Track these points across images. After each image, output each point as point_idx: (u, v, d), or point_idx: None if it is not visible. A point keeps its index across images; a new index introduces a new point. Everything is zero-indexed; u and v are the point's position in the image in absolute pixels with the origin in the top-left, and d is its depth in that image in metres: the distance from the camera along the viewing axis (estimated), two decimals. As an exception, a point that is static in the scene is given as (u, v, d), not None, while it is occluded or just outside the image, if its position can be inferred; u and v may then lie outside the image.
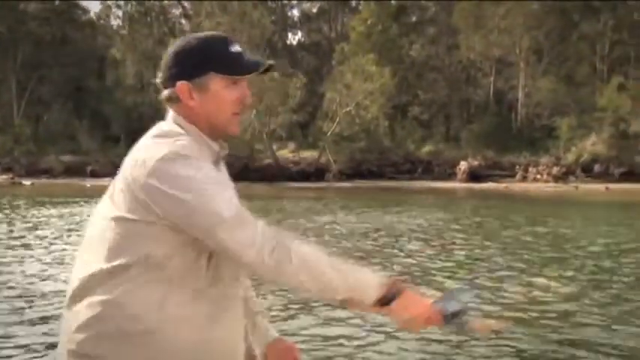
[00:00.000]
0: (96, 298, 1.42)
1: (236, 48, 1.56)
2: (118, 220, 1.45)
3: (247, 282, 1.76)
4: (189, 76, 1.53)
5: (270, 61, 1.59)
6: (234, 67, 1.54)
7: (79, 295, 1.45)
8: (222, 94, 1.54)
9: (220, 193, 1.43)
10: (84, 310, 1.42)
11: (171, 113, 1.59)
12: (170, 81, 1.55)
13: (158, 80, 1.59)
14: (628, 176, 35.39)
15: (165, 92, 1.57)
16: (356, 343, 5.38)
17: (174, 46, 1.59)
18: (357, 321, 5.91)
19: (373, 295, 1.45)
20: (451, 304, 1.45)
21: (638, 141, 36.84)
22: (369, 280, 1.46)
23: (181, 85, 1.53)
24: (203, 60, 1.53)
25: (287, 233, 1.45)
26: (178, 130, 1.54)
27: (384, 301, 1.45)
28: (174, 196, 1.41)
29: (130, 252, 1.43)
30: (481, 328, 1.48)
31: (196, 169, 1.43)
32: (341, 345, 5.23)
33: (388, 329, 5.55)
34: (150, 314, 1.42)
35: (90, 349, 1.41)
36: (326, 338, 5.45)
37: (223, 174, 1.58)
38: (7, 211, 17.89)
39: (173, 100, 1.56)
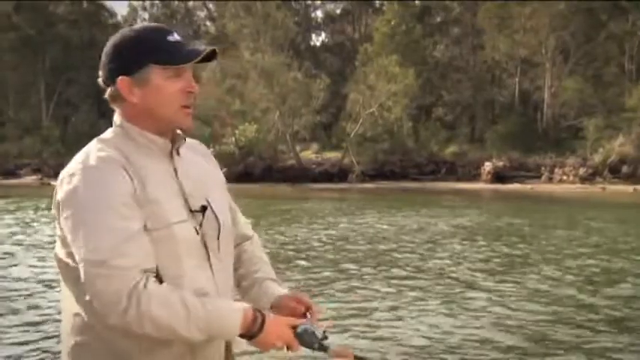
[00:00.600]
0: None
1: (174, 37, 1.51)
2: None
3: (243, 241, 1.77)
4: (129, 70, 1.47)
5: (211, 47, 1.52)
6: (172, 56, 1.47)
7: None
8: (164, 86, 1.49)
9: (103, 227, 1.36)
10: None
11: (115, 115, 1.56)
12: (110, 78, 1.50)
13: (99, 80, 1.54)
14: (657, 177, 34.72)
15: (108, 91, 1.53)
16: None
17: (110, 41, 1.53)
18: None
19: (235, 331, 1.42)
20: (316, 329, 1.50)
21: (667, 142, 36.12)
22: (229, 318, 1.42)
23: (121, 80, 1.48)
24: (140, 52, 1.48)
25: (153, 288, 1.37)
26: (108, 135, 1.54)
27: (248, 335, 1.44)
28: (63, 211, 1.41)
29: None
30: (342, 353, 1.52)
31: (98, 186, 1.39)
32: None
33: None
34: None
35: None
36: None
37: (157, 180, 1.48)
38: (39, 212, 18.28)
39: (116, 98, 1.52)
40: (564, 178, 36.66)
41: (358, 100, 40.33)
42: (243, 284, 1.73)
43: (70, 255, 1.42)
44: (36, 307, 6.72)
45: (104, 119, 46.45)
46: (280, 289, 1.68)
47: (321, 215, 17.93)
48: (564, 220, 16.91)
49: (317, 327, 1.51)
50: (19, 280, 8.26)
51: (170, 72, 1.48)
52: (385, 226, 15.07)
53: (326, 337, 1.51)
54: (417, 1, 48.74)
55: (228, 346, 1.62)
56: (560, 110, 41.56)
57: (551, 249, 11.25)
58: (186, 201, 1.51)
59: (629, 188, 32.64)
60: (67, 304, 1.50)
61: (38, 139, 44.34)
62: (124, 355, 1.45)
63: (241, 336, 1.44)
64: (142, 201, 1.43)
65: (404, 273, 8.92)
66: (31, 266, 9.29)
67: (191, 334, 1.38)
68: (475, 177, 38.38)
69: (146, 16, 53.95)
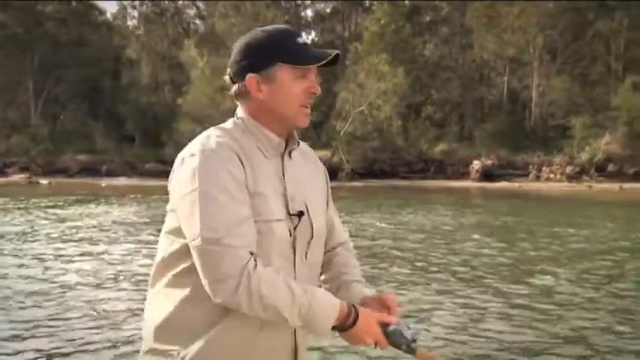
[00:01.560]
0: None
1: (302, 40, 1.59)
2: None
3: (338, 246, 1.78)
4: (258, 68, 1.54)
5: (337, 51, 1.58)
6: (301, 57, 1.55)
7: None
8: (290, 85, 1.56)
9: (219, 207, 1.42)
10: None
11: (237, 109, 1.62)
12: (239, 75, 1.57)
13: (226, 76, 1.61)
14: (642, 175, 35.16)
15: (234, 87, 1.59)
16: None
17: (241, 39, 1.60)
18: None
19: (331, 323, 1.46)
20: (405, 331, 1.51)
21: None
22: (328, 308, 1.46)
23: (250, 77, 1.54)
24: (271, 51, 1.54)
25: (262, 271, 1.42)
26: (228, 125, 1.59)
27: (342, 328, 1.48)
28: (180, 188, 1.47)
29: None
30: (426, 357, 1.53)
31: (217, 169, 1.45)
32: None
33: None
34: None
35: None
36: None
37: (266, 177, 1.54)
38: (30, 210, 18.24)
39: (242, 94, 1.59)
40: (552, 176, 37.04)
41: (348, 98, 40.48)
42: (330, 285, 1.74)
43: (180, 233, 1.48)
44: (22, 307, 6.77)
45: (92, 118, 46.44)
46: (366, 290, 1.69)
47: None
48: (560, 218, 17.13)
49: (407, 328, 1.52)
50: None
51: (297, 72, 1.56)
52: (383, 225, 15.19)
53: (415, 340, 1.51)
54: (406, 1, 48.91)
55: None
56: (548, 109, 41.93)
57: (555, 248, 11.41)
58: (287, 203, 1.55)
59: (615, 186, 33.03)
60: (159, 284, 1.57)
61: (26, 137, 44.12)
62: (201, 330, 1.49)
63: (333, 328, 1.47)
64: (252, 192, 1.49)
65: (407, 270, 9.03)
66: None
67: (292, 318, 1.43)
68: (464, 175, 38.66)
69: (135, 14, 53.80)
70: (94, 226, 14.05)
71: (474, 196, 29.51)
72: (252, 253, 1.43)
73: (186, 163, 1.48)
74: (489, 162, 38.27)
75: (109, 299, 6.84)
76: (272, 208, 1.51)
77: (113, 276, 8.21)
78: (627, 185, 33.19)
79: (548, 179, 36.90)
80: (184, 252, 1.48)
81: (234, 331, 1.50)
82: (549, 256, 10.19)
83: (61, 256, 9.90)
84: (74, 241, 11.65)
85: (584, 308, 6.63)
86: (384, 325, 1.51)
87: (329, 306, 1.46)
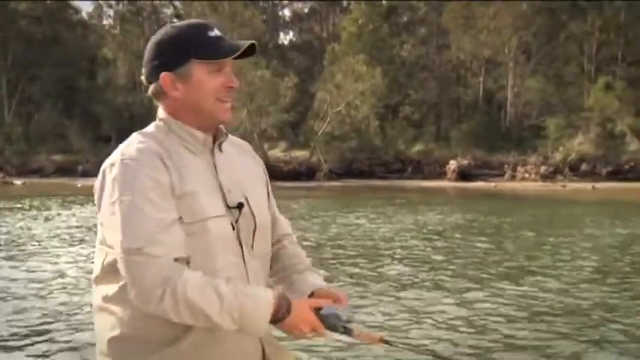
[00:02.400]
0: None
1: (215, 32, 1.53)
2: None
3: (283, 239, 1.77)
4: (171, 66, 1.51)
5: (251, 41, 1.53)
6: (213, 51, 1.50)
7: None
8: (205, 80, 1.52)
9: (139, 216, 1.39)
10: None
11: (158, 110, 1.58)
12: (153, 75, 1.53)
13: (142, 77, 1.58)
14: (614, 175, 35.87)
15: (151, 88, 1.55)
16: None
17: (153, 38, 1.58)
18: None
19: (266, 322, 1.43)
20: (340, 313, 1.52)
21: (624, 140, 37.33)
22: (261, 307, 1.42)
23: (164, 76, 1.51)
24: (183, 47, 1.50)
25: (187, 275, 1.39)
26: (150, 129, 1.56)
27: (276, 320, 1.45)
28: (103, 199, 1.44)
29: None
30: (366, 337, 1.52)
31: (137, 178, 1.42)
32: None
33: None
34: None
35: None
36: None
37: (196, 174, 1.51)
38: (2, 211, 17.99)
39: (159, 94, 1.55)
40: (526, 176, 37.56)
41: (326, 98, 40.58)
42: (280, 275, 1.72)
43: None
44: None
45: (68, 118, 45.86)
46: (319, 281, 1.68)
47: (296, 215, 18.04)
48: (541, 217, 17.40)
49: (342, 310, 1.52)
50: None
51: (211, 67, 1.51)
52: (366, 224, 15.28)
53: (350, 321, 1.50)
54: (383, 1, 49.18)
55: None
56: (523, 109, 42.52)
57: (538, 246, 11.61)
58: (224, 197, 1.53)
59: (588, 186, 33.61)
60: (99, 298, 1.53)
61: (0, 137, 43.41)
62: (158, 343, 1.47)
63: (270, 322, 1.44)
64: (179, 194, 1.45)
65: (395, 269, 9.13)
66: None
67: (224, 322, 1.39)
68: (440, 175, 39.00)
69: (111, 13, 53.23)
70: (70, 226, 13.93)
71: (451, 195, 29.80)
72: (178, 259, 1.40)
73: (107, 174, 1.46)
74: (465, 162, 38.68)
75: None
76: (205, 206, 1.48)
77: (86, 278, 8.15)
78: (600, 185, 33.82)
79: (523, 179, 37.42)
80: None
81: (192, 342, 1.47)
82: (535, 255, 10.38)
83: (32, 256, 9.82)
84: (47, 241, 11.55)
85: (570, 307, 6.79)
86: (318, 310, 1.50)
87: (262, 305, 1.42)
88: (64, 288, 7.52)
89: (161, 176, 1.44)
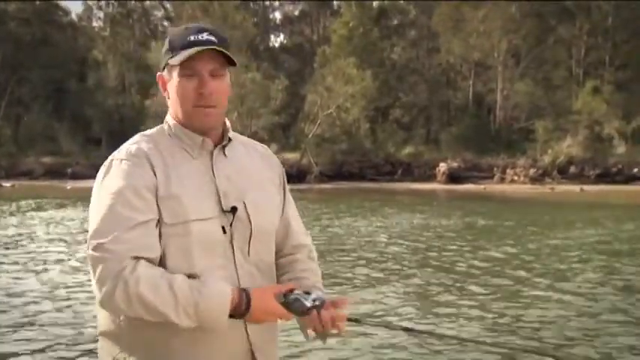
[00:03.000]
0: None
1: (196, 36, 1.50)
2: None
3: (297, 251, 1.72)
4: (162, 67, 1.56)
5: (202, 48, 1.48)
6: (179, 54, 1.49)
7: None
8: (179, 84, 1.51)
9: (109, 214, 1.42)
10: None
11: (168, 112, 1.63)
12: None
13: None
14: (602, 177, 36.24)
15: None
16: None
17: None
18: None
19: (225, 316, 1.41)
20: (304, 297, 1.50)
21: (612, 143, 37.72)
22: (218, 302, 1.40)
23: (158, 76, 1.57)
24: (166, 49, 1.54)
25: (144, 270, 1.39)
26: (152, 130, 1.59)
27: (239, 315, 1.43)
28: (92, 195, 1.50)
29: None
30: (335, 318, 1.52)
31: (118, 177, 1.46)
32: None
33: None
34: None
35: None
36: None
37: (188, 177, 1.51)
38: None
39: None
40: (515, 178, 37.85)
41: (316, 101, 40.70)
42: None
43: None
44: None
45: (57, 120, 45.63)
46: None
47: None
48: (534, 219, 17.56)
49: (306, 294, 1.50)
50: None
51: (184, 71, 1.50)
52: (359, 226, 15.35)
53: (317, 304, 1.50)
54: (374, 4, 49.40)
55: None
56: (512, 112, 42.83)
57: (531, 247, 11.74)
58: (219, 200, 1.52)
59: (577, 188, 33.91)
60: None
61: (-11, 140, 43.14)
62: (149, 342, 1.48)
63: (231, 316, 1.42)
64: (163, 195, 1.46)
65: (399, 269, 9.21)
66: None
67: (180, 318, 1.39)
68: (430, 177, 39.21)
69: (101, 15, 53.07)
70: (61, 228, 13.91)
71: (441, 198, 29.96)
72: (138, 258, 1.40)
73: (99, 172, 1.51)
74: (455, 164, 38.92)
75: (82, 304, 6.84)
76: (189, 209, 1.47)
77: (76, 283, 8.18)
78: (588, 187, 34.13)
79: (512, 181, 37.70)
80: None
81: (178, 344, 1.47)
82: (530, 256, 10.50)
83: (23, 260, 9.81)
84: (38, 244, 11.54)
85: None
86: (286, 297, 1.49)
87: (219, 299, 1.40)
88: (56, 288, 7.54)
89: (143, 178, 1.46)
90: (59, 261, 9.69)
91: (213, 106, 1.52)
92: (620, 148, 37.23)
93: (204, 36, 1.50)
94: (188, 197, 1.48)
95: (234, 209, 1.52)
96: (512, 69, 43.35)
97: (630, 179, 35.91)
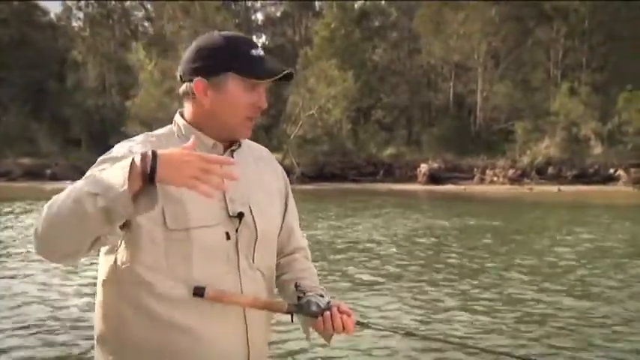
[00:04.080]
0: None
1: (258, 52, 1.54)
2: None
3: (296, 252, 1.76)
4: (208, 73, 1.50)
5: (290, 69, 1.56)
6: (255, 69, 1.51)
7: None
8: (238, 96, 1.51)
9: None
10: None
11: (176, 115, 1.60)
12: (189, 75, 1.53)
13: (178, 73, 1.57)
14: (579, 178, 36.82)
15: (182, 86, 1.55)
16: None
17: (198, 40, 1.57)
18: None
19: (123, 167, 1.26)
20: (314, 300, 1.56)
21: (588, 144, 38.32)
22: (116, 168, 1.28)
23: (198, 81, 1.50)
24: (225, 59, 1.50)
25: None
26: (160, 130, 1.57)
27: (147, 176, 1.25)
28: None
29: None
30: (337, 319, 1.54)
31: (99, 162, 1.45)
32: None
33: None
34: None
35: None
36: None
37: None
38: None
39: (188, 95, 1.55)
40: (495, 179, 38.29)
41: (298, 102, 40.80)
42: (287, 288, 1.68)
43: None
44: None
45: (36, 121, 45.16)
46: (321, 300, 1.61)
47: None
48: (514, 219, 17.81)
49: (321, 298, 1.56)
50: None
51: (247, 84, 1.52)
52: (342, 227, 15.45)
53: (330, 305, 1.55)
54: (355, 6, 49.61)
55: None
56: (492, 114, 43.31)
57: (512, 249, 11.92)
58: (226, 205, 1.51)
59: (554, 188, 34.41)
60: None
61: (-33, 141, 42.56)
62: (143, 344, 1.47)
63: (144, 183, 1.26)
64: (163, 194, 1.34)
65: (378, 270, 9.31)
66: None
67: (85, 205, 1.23)
68: (412, 178, 39.50)
69: (81, 15, 52.62)
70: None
71: (422, 198, 30.19)
72: None
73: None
74: (436, 165, 39.26)
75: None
76: (192, 215, 1.45)
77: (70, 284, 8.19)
78: (565, 187, 34.65)
79: (491, 182, 38.12)
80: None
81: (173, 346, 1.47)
82: (512, 257, 10.69)
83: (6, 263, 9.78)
84: (13, 246, 11.48)
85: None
86: (298, 299, 1.56)
87: (116, 166, 1.28)
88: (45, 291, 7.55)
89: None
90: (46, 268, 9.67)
91: (255, 120, 1.57)
92: (597, 149, 37.84)
93: (260, 52, 1.54)
94: (193, 203, 1.44)
95: (240, 215, 1.51)
96: (491, 71, 43.85)
97: (607, 179, 36.55)
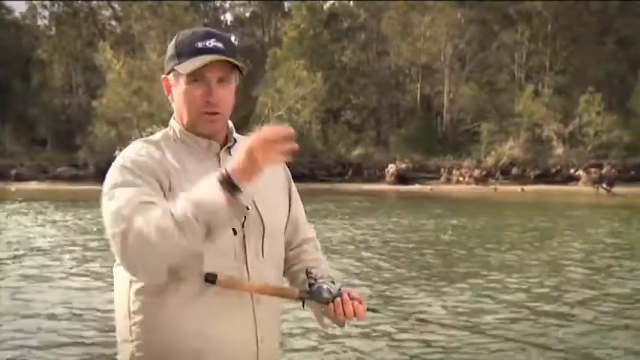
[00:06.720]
0: None
1: (204, 43, 1.49)
2: None
3: (305, 243, 1.76)
4: (168, 70, 1.53)
5: (213, 58, 1.47)
6: (186, 61, 1.48)
7: None
8: (186, 90, 1.49)
9: (121, 196, 1.38)
10: None
11: (172, 117, 1.61)
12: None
13: None
14: (542, 178, 37.80)
15: None
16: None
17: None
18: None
19: (217, 188, 1.33)
20: (332, 288, 1.58)
21: (551, 145, 39.33)
22: (206, 185, 1.35)
23: (163, 78, 1.54)
24: (173, 53, 1.51)
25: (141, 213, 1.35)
26: (156, 136, 1.58)
27: (230, 183, 1.33)
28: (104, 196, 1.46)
29: None
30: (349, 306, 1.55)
31: (122, 174, 1.44)
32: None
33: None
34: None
35: None
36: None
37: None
38: None
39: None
40: (461, 179, 39.00)
41: (267, 103, 40.86)
42: (298, 277, 1.68)
43: None
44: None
45: (0, 121, 44.26)
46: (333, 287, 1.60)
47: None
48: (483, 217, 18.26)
49: (332, 285, 1.58)
50: None
51: (190, 77, 1.48)
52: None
53: (340, 292, 1.57)
54: (324, 7, 49.87)
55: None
56: (458, 115, 44.06)
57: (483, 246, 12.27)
58: None
59: (518, 188, 35.25)
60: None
61: None
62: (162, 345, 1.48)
63: (230, 192, 1.33)
64: (167, 197, 1.43)
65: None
66: None
67: (193, 233, 1.31)
68: (380, 178, 39.94)
69: (46, 13, 51.71)
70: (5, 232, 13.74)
71: (391, 198, 30.56)
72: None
73: (105, 183, 1.50)
74: (404, 165, 39.79)
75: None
76: None
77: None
78: (528, 187, 35.52)
79: (457, 182, 38.81)
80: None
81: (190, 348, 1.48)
82: (489, 255, 11.04)
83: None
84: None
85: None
86: (310, 286, 1.58)
87: (205, 182, 1.35)
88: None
89: (152, 184, 1.44)
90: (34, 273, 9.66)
91: (218, 113, 1.52)
92: (559, 150, 38.84)
93: (212, 43, 1.49)
94: None
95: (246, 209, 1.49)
96: (458, 72, 44.59)
97: (568, 179, 37.60)
